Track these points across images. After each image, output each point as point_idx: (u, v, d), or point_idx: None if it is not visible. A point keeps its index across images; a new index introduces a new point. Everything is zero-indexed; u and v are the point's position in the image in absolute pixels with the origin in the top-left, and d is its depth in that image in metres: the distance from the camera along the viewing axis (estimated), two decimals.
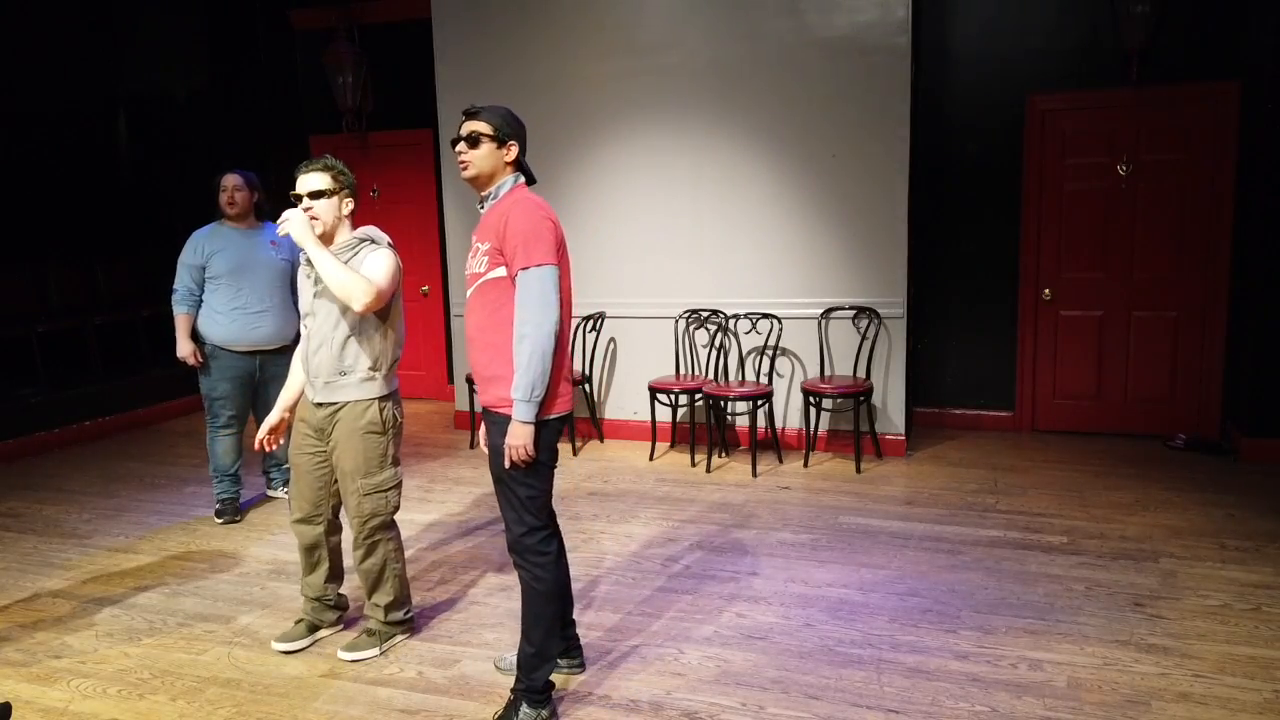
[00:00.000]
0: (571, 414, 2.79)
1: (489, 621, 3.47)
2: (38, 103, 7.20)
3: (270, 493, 5.15)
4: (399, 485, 3.25)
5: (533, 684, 2.73)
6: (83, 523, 4.80)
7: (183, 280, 4.64)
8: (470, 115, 2.73)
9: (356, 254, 3.10)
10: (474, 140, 2.68)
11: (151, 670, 3.20)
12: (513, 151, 2.72)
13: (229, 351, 4.63)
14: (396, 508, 3.26)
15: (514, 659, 3.02)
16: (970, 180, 6.00)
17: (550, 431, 2.68)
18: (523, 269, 2.56)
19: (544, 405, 2.61)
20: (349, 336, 3.09)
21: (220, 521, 4.74)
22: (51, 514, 4.96)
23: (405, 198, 7.46)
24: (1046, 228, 5.90)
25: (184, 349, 4.65)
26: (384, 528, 3.23)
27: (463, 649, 3.28)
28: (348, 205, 3.15)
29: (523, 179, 2.77)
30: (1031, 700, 2.84)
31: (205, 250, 4.61)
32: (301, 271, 3.21)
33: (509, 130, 2.71)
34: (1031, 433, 6.07)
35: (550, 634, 2.75)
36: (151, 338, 7.36)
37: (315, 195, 3.08)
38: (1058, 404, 6.05)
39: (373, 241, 3.16)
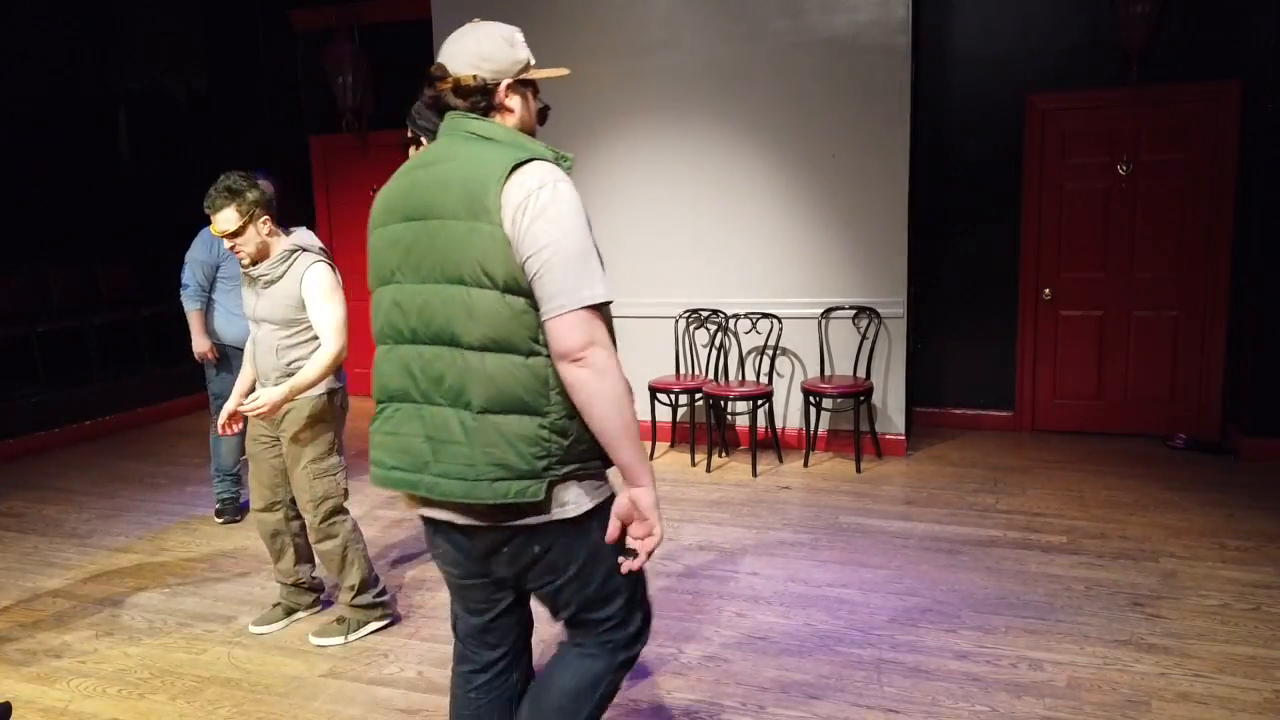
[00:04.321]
0: None
1: None
2: (38, 103, 7.20)
3: None
4: (344, 468, 3.38)
5: None
6: (83, 523, 4.80)
7: (194, 276, 4.60)
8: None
9: (291, 265, 3.20)
10: (406, 147, 2.67)
11: (151, 670, 3.20)
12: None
13: (241, 350, 4.62)
14: (345, 489, 3.37)
15: None
16: (970, 180, 6.00)
17: None
18: None
19: None
20: (291, 344, 3.24)
21: (220, 521, 4.75)
22: (51, 514, 4.96)
23: None
24: (1046, 228, 5.90)
25: (202, 345, 4.65)
26: (339, 510, 3.36)
27: None
28: (265, 225, 3.21)
29: None
30: (1031, 700, 2.84)
31: (219, 250, 4.57)
32: (244, 280, 3.31)
33: (424, 128, 2.60)
34: (1031, 433, 6.07)
35: None
36: (151, 338, 7.36)
37: (233, 235, 3.17)
38: (1058, 404, 6.05)
39: (304, 250, 3.23)
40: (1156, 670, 2.99)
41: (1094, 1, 5.57)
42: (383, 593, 3.47)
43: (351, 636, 3.36)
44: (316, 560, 3.55)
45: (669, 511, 4.70)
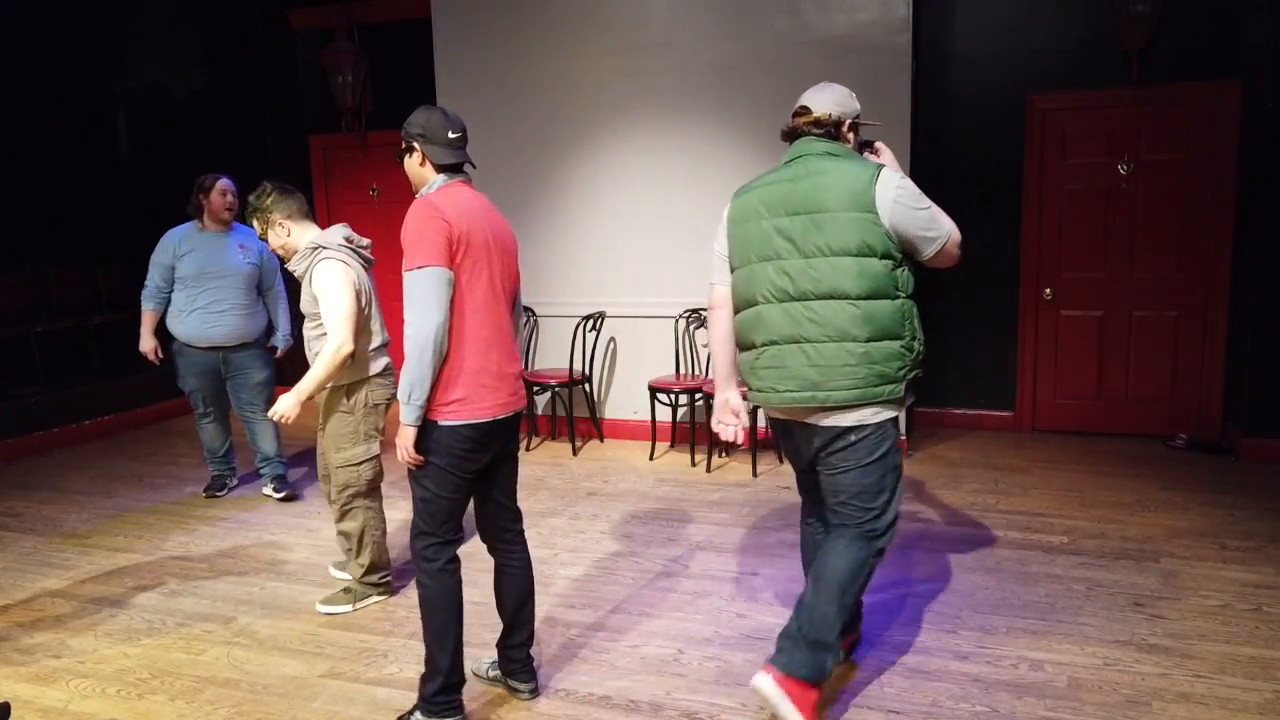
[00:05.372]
0: (510, 418, 2.71)
1: (487, 622, 3.46)
2: (38, 103, 7.20)
3: (267, 492, 5.15)
4: (372, 460, 3.57)
5: (424, 693, 2.70)
6: (83, 523, 4.80)
7: (152, 279, 4.88)
8: None
9: (310, 262, 3.45)
10: (400, 159, 2.75)
11: (151, 670, 3.20)
12: (416, 154, 2.68)
13: (192, 347, 4.88)
14: (370, 480, 3.59)
15: (489, 665, 3.05)
16: (970, 180, 6.00)
17: (456, 436, 2.59)
18: (406, 271, 2.54)
19: (446, 407, 2.57)
20: (316, 336, 3.46)
21: (204, 495, 5.09)
22: (51, 514, 4.96)
23: (405, 197, 7.39)
24: (1046, 228, 5.90)
25: (145, 344, 5.00)
26: (359, 497, 3.59)
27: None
28: (281, 229, 3.58)
29: (455, 179, 2.69)
30: (1032, 700, 2.84)
31: (176, 252, 4.86)
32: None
33: (410, 134, 2.69)
34: (1031, 433, 6.07)
35: (438, 646, 2.66)
36: None
37: (262, 240, 3.68)
38: (1058, 404, 6.05)
39: (323, 247, 3.46)
40: (1157, 671, 2.99)
41: (1094, 1, 5.57)
42: (389, 573, 3.76)
43: (358, 605, 3.65)
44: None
45: (668, 513, 4.70)
